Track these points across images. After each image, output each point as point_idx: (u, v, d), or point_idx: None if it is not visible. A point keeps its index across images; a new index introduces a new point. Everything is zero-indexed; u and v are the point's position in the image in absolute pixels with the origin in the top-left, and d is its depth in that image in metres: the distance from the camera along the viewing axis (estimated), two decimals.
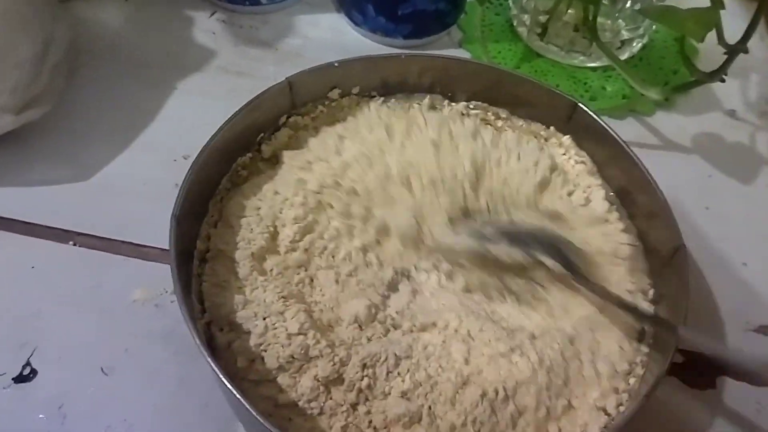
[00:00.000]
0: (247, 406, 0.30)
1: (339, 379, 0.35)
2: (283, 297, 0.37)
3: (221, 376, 0.31)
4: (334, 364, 0.35)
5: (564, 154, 0.45)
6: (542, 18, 0.57)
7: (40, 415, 0.39)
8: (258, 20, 0.59)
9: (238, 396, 0.30)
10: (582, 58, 0.57)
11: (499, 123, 0.46)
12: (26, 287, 0.43)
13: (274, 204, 0.40)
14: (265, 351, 0.35)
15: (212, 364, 0.31)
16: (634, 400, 0.35)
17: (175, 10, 0.59)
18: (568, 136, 0.45)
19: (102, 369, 0.40)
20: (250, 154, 0.43)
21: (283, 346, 0.35)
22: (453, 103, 0.46)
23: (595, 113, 0.42)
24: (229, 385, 0.31)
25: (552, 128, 0.45)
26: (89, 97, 0.52)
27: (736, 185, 0.52)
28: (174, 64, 0.55)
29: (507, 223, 0.40)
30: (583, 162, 0.44)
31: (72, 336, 0.41)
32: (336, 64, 0.43)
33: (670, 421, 0.40)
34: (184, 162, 0.48)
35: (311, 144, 0.43)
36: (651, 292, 0.39)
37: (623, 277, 0.39)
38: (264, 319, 0.36)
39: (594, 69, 0.57)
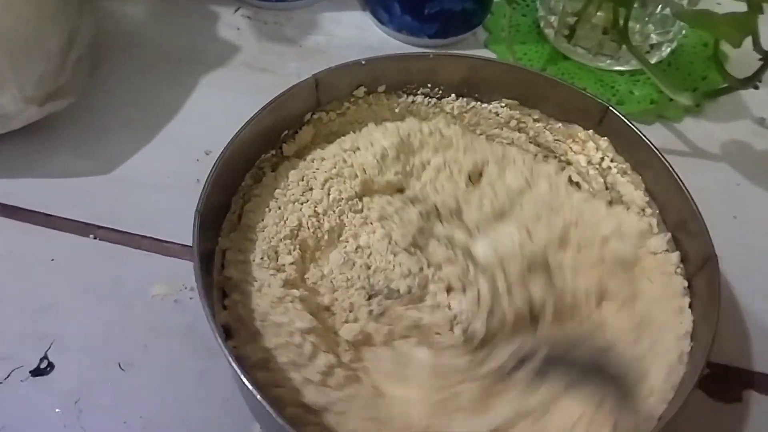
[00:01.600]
0: (265, 405, 0.30)
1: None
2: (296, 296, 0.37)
3: (240, 372, 0.30)
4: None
5: (603, 159, 0.44)
6: (570, 20, 0.56)
7: (57, 410, 0.38)
8: (282, 17, 0.58)
9: (255, 392, 0.30)
10: (610, 61, 0.56)
11: (537, 125, 0.45)
12: (45, 280, 0.43)
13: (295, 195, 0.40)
14: (279, 350, 0.35)
15: (232, 363, 0.31)
16: None
17: (199, 5, 0.58)
18: (605, 138, 0.44)
19: (119, 364, 0.40)
20: (273, 152, 0.42)
21: (297, 346, 0.35)
22: (485, 104, 0.46)
23: (626, 117, 0.41)
24: (246, 381, 0.30)
25: (591, 131, 0.44)
26: (112, 91, 0.52)
27: (765, 194, 0.50)
28: (198, 60, 0.55)
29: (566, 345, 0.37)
30: (624, 171, 0.43)
31: (90, 330, 0.41)
32: (363, 62, 0.43)
33: None
34: (206, 158, 0.48)
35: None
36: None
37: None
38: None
39: (621, 73, 0.56)
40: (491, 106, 0.46)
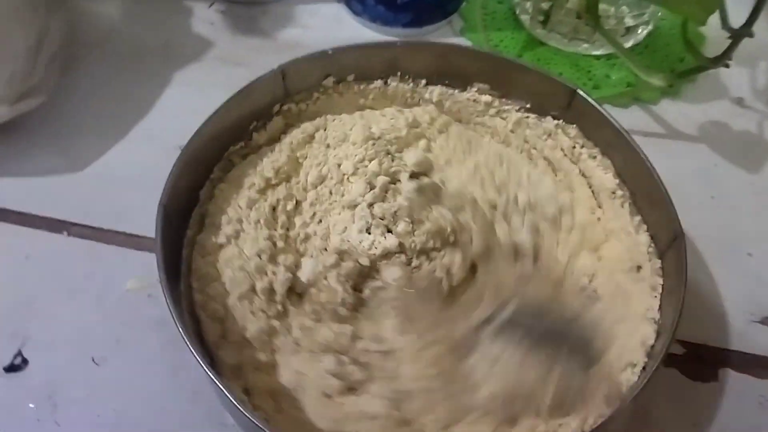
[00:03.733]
0: (231, 398, 0.30)
1: None
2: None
3: (203, 365, 0.31)
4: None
5: (574, 147, 0.43)
6: (545, 5, 0.56)
7: (31, 405, 0.39)
8: (257, 10, 0.58)
9: (218, 383, 0.30)
10: (586, 45, 0.56)
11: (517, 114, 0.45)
12: (20, 277, 0.43)
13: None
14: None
15: (195, 353, 0.31)
16: None
17: (173, 1, 0.58)
18: (574, 126, 0.43)
19: (93, 359, 0.40)
20: (242, 143, 0.42)
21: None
22: (462, 92, 0.46)
23: (594, 100, 0.41)
24: (210, 373, 0.30)
25: (561, 121, 0.44)
26: (85, 88, 0.52)
27: (742, 174, 0.50)
28: (171, 55, 0.55)
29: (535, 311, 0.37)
30: (594, 155, 0.43)
31: (64, 326, 0.41)
32: (330, 52, 0.43)
33: (670, 414, 0.40)
34: (178, 152, 0.48)
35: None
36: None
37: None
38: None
39: (598, 57, 0.56)
40: (468, 93, 0.46)
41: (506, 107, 0.45)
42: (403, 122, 0.43)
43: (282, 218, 0.40)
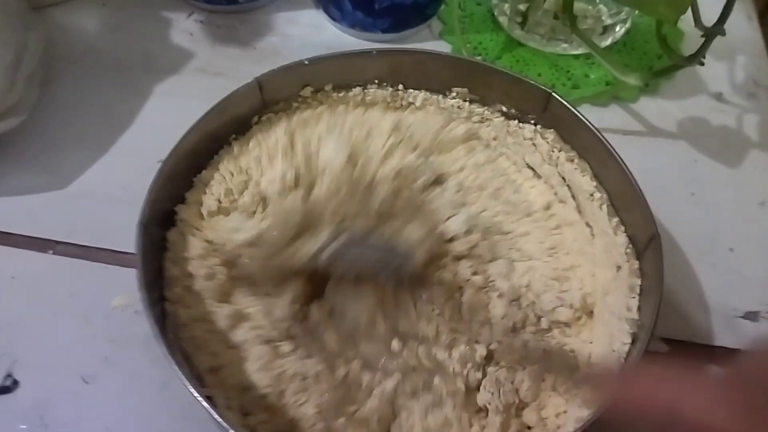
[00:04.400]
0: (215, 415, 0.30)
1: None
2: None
3: (185, 381, 0.31)
4: None
5: (552, 151, 0.44)
6: (522, 6, 0.56)
7: (22, 426, 0.39)
8: (236, 19, 0.58)
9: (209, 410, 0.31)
10: (564, 45, 0.56)
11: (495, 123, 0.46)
12: (6, 297, 0.43)
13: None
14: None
15: (177, 369, 0.31)
16: None
17: (152, 12, 0.58)
18: (551, 130, 0.44)
19: (83, 378, 0.40)
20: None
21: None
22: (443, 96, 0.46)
23: (568, 102, 0.41)
24: (192, 389, 0.31)
25: (539, 126, 0.44)
26: (65, 104, 0.52)
27: (722, 169, 0.51)
28: (151, 67, 0.55)
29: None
30: (572, 159, 0.43)
31: (53, 345, 0.42)
32: (306, 62, 0.43)
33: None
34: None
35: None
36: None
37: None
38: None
39: (577, 57, 0.56)
40: (451, 100, 0.46)
41: (488, 114, 0.46)
42: None
43: None
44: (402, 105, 0.46)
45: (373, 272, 0.38)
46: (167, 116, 0.51)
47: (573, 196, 0.43)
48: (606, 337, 0.36)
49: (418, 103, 0.46)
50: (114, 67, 0.54)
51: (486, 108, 0.46)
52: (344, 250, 0.38)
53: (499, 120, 0.45)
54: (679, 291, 0.44)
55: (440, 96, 0.46)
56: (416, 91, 0.46)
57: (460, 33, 0.56)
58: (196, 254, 0.38)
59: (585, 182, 0.42)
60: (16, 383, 0.40)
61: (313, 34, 0.58)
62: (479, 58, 0.56)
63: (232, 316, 0.37)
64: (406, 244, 0.39)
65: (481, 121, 0.46)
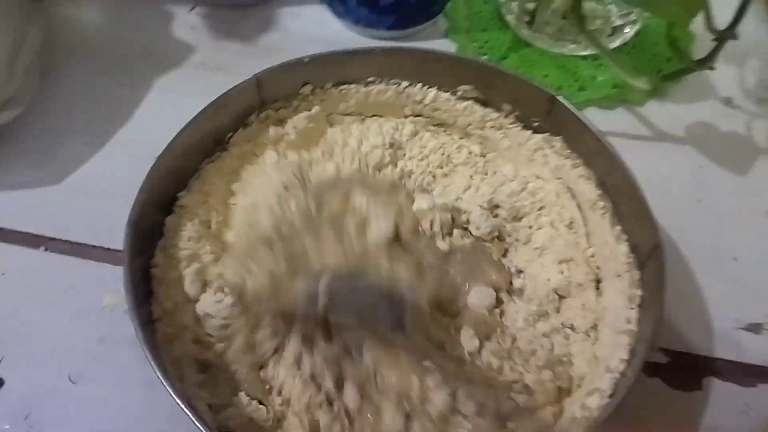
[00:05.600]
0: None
1: None
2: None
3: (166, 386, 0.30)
4: None
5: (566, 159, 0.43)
6: (530, 5, 0.55)
7: (6, 426, 0.38)
8: (238, 14, 0.58)
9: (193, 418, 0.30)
10: (572, 46, 0.55)
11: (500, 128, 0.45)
12: None
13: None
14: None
15: (157, 372, 0.31)
16: None
17: (154, 5, 0.58)
18: (559, 138, 0.43)
19: (69, 377, 0.40)
20: (219, 154, 0.42)
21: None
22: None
23: (573, 106, 0.40)
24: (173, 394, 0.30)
25: (547, 134, 0.43)
26: (64, 97, 0.51)
27: (729, 176, 0.50)
28: (152, 61, 0.54)
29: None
30: (577, 165, 0.42)
31: (41, 343, 0.41)
32: (306, 60, 0.42)
33: (653, 424, 0.39)
34: None
35: None
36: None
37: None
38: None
39: (584, 57, 0.55)
40: (462, 103, 0.45)
41: (501, 120, 0.45)
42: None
43: None
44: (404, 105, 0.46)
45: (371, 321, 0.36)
46: (166, 111, 0.50)
47: (578, 206, 0.42)
48: (606, 348, 0.36)
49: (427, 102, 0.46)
50: (114, 61, 0.54)
51: (500, 114, 0.45)
52: (337, 293, 0.36)
53: (516, 130, 0.45)
54: (680, 300, 0.43)
55: (448, 94, 0.45)
56: (425, 90, 0.45)
57: (467, 31, 0.55)
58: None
59: (589, 190, 0.40)
60: (1, 381, 0.40)
61: (316, 29, 0.57)
62: (485, 57, 0.55)
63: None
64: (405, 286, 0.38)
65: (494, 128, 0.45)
